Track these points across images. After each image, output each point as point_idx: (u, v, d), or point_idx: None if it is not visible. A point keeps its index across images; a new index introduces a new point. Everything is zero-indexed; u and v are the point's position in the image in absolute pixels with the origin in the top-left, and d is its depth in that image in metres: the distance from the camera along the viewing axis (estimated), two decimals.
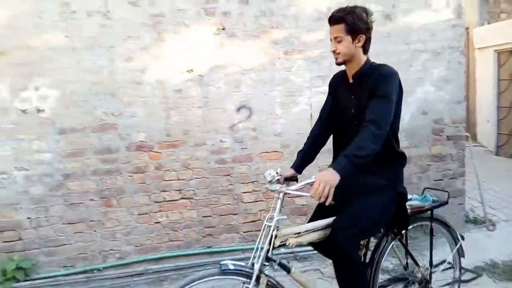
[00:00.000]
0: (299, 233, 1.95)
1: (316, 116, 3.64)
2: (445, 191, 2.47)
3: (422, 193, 2.49)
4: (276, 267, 1.94)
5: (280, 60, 3.56)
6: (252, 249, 3.58)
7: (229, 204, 3.64)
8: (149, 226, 3.52)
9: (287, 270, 1.99)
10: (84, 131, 3.30)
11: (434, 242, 2.43)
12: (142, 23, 3.28)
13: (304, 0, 3.54)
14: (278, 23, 3.51)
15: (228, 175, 3.60)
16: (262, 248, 1.87)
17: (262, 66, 3.54)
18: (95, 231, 3.41)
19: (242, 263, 1.88)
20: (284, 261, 1.99)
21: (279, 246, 1.91)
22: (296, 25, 3.55)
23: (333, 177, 1.71)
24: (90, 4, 3.17)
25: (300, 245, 1.99)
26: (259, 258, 1.85)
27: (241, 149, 3.60)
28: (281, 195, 1.91)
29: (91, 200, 3.38)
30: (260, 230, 3.73)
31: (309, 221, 2.15)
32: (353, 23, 1.89)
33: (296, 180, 2.22)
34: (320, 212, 2.13)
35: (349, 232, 1.92)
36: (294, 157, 3.61)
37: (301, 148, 2.33)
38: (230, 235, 3.65)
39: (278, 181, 2.09)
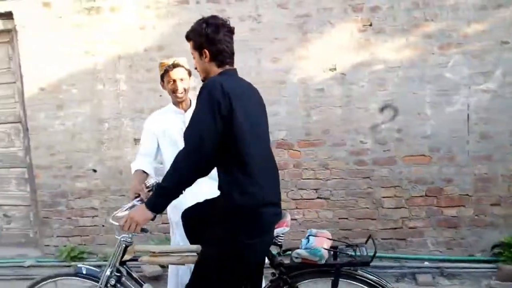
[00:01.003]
0: (154, 252, 1.90)
1: (474, 117, 3.27)
2: (374, 247, 1.78)
3: (366, 241, 1.90)
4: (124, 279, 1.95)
5: (434, 56, 3.24)
6: (390, 257, 3.39)
7: (367, 208, 3.49)
8: None
9: (139, 285, 1.97)
10: None
11: None
12: (288, 25, 3.37)
13: None
14: (433, 15, 3.20)
15: (368, 177, 3.45)
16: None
17: (411, 62, 3.28)
18: None
19: (96, 269, 2.00)
20: (136, 275, 1.99)
21: (131, 260, 1.93)
22: (454, 16, 3.19)
23: (141, 215, 1.68)
24: (243, 9, 3.40)
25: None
26: (107, 267, 1.92)
27: (383, 151, 3.41)
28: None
29: None
30: (400, 239, 3.52)
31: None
32: (194, 39, 1.77)
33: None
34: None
35: None
36: (444, 163, 3.35)
37: None
38: None
39: None
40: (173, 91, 2.30)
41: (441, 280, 3.20)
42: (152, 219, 1.72)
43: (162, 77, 2.33)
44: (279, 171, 3.55)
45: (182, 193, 1.71)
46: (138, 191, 2.13)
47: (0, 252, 3.99)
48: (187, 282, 1.85)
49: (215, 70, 1.78)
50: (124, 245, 1.89)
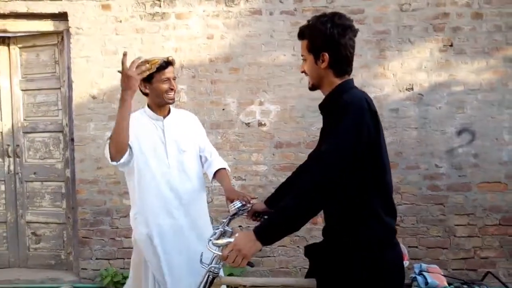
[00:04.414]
0: (245, 286, 1.65)
1: None
2: (503, 284, 1.64)
3: (483, 278, 1.76)
4: None
5: None
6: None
7: (439, 236, 3.31)
8: None
9: None
10: (299, 146, 3.35)
11: None
12: (365, 41, 3.24)
13: None
14: None
15: (441, 204, 3.29)
16: None
17: (491, 86, 3.20)
18: (298, 246, 3.40)
19: None
20: None
21: None
22: None
23: (250, 245, 1.40)
24: None
25: None
26: None
27: (459, 176, 3.26)
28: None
29: None
30: (471, 269, 3.34)
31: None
32: (312, 39, 1.48)
33: None
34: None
35: None
36: None
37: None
38: None
39: (251, 215, 1.88)
40: (168, 91, 2.06)
41: None
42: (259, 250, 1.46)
43: (150, 77, 1.99)
44: None
45: (304, 224, 1.45)
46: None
47: (27, 275, 3.58)
48: None
49: (331, 79, 1.51)
50: (211, 277, 1.62)
